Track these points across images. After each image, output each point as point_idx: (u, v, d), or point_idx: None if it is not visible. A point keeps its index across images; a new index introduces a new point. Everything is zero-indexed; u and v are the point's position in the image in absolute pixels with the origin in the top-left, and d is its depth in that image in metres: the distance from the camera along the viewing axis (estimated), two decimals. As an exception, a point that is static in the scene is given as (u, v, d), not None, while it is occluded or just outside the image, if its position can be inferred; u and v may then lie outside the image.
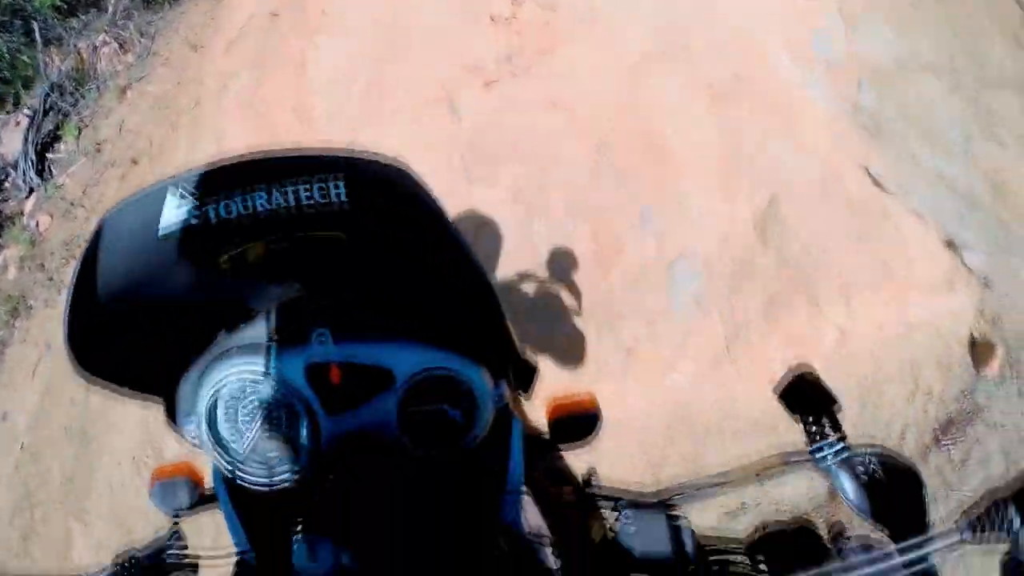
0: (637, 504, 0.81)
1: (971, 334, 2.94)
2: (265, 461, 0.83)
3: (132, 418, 3.36)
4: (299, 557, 0.70)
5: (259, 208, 0.67)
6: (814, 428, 0.78)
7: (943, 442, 2.83)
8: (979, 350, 2.93)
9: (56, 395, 3.75)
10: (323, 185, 0.67)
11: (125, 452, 3.32)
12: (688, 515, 0.81)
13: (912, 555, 0.68)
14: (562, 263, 3.22)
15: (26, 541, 3.26)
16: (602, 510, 0.84)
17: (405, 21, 4.95)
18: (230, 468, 0.83)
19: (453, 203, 2.78)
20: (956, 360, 2.89)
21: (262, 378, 0.81)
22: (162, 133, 4.79)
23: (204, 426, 0.83)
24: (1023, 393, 2.89)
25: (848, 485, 0.75)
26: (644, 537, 0.79)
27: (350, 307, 0.83)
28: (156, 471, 0.97)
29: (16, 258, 4.60)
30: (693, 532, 0.80)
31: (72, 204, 4.70)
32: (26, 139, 5.24)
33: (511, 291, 3.15)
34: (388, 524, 0.76)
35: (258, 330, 0.83)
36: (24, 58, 6.27)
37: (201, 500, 0.94)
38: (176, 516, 0.94)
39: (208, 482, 0.96)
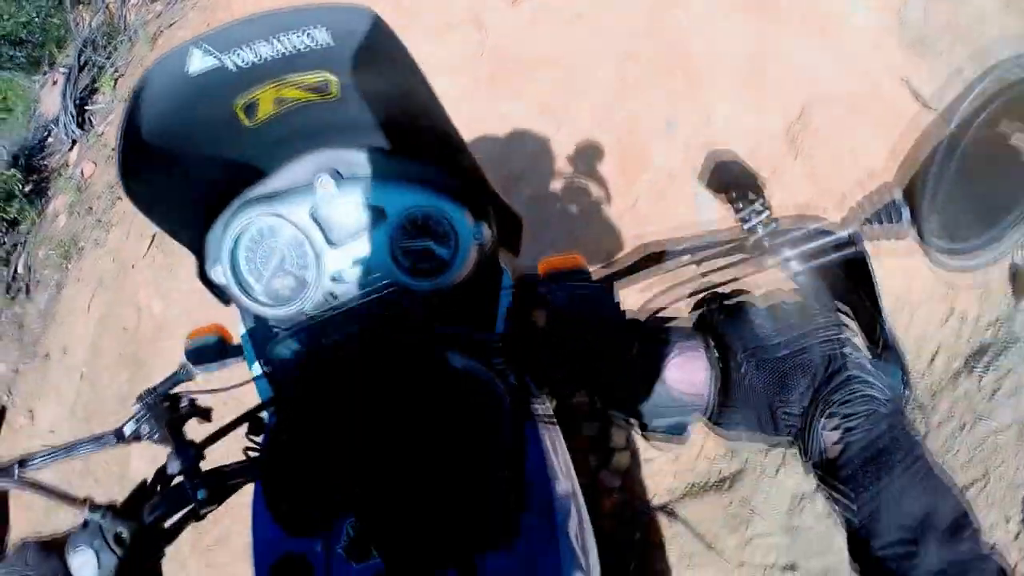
0: (579, 287, 0.86)
1: (1012, 262, 2.81)
2: (280, 296, 0.97)
3: (180, 342, 3.38)
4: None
5: (264, 55, 0.77)
6: (741, 205, 0.80)
7: (975, 368, 2.72)
8: (1020, 279, 2.81)
9: (110, 326, 3.86)
10: (311, 32, 0.77)
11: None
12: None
13: (820, 241, 0.75)
14: (588, 173, 3.19)
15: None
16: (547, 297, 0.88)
17: None
18: (252, 304, 0.97)
19: (481, 117, 2.73)
20: (994, 287, 2.79)
21: (275, 220, 0.94)
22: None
23: (228, 269, 0.95)
24: (1061, 327, 2.78)
25: (792, 266, 0.79)
26: (583, 314, 0.84)
27: (346, 154, 0.94)
28: (191, 332, 1.10)
29: (65, 206, 4.71)
30: (624, 312, 0.84)
31: (113, 150, 4.68)
32: (64, 95, 5.32)
33: (538, 199, 3.16)
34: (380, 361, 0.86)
35: (271, 183, 0.96)
36: (55, 20, 6.39)
37: (228, 354, 1.07)
38: (207, 370, 1.09)
39: (236, 339, 1.10)
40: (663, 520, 2.59)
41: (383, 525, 0.80)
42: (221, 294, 1.03)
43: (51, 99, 5.56)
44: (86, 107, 5.27)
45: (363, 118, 0.89)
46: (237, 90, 0.83)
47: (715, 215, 0.83)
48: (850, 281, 0.79)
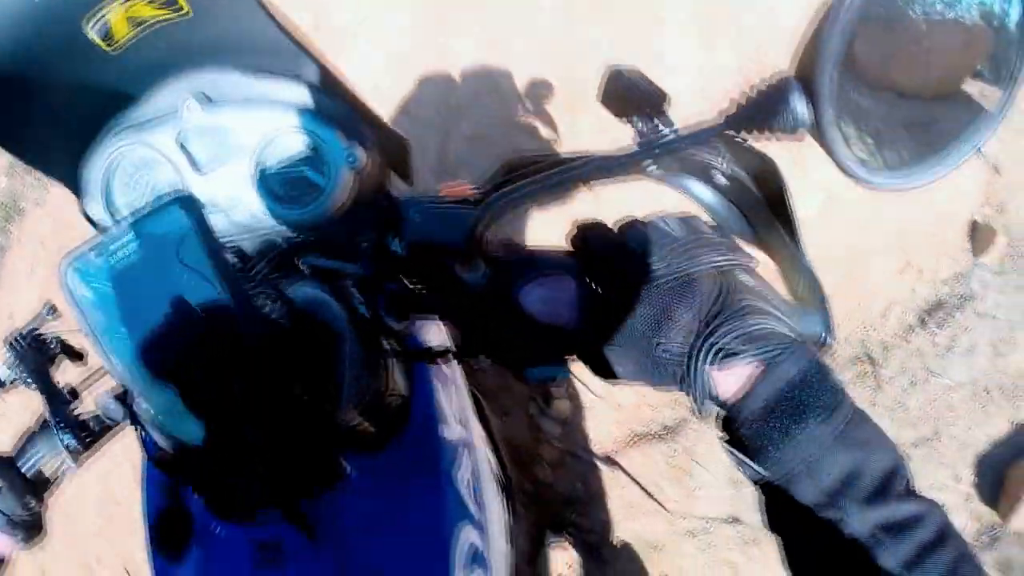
0: (436, 206, 0.81)
1: (972, 218, 2.80)
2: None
3: None
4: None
5: None
6: (644, 128, 0.72)
7: (928, 324, 2.73)
8: (979, 235, 2.79)
9: (53, 290, 3.74)
10: None
11: None
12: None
13: (684, 140, 0.68)
14: (534, 109, 3.12)
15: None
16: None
17: None
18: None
19: (429, 54, 2.62)
20: (953, 242, 2.78)
21: (144, 151, 0.90)
22: None
23: (103, 205, 0.93)
24: (1021, 286, 2.74)
25: (696, 189, 0.73)
26: (438, 236, 0.79)
27: (213, 76, 0.89)
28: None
29: (5, 167, 4.58)
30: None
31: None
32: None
33: (479, 136, 3.11)
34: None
35: (139, 112, 0.91)
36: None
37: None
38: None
39: None
40: (604, 470, 2.58)
41: (211, 469, 0.76)
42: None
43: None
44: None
45: (222, 37, 0.85)
46: (80, 8, 0.76)
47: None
48: (760, 203, 0.70)
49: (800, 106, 0.55)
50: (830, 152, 0.58)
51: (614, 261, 0.67)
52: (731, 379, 0.61)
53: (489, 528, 0.95)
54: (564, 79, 3.13)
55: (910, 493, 0.59)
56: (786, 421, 0.58)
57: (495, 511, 0.96)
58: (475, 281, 0.75)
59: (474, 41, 3.32)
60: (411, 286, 0.84)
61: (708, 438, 2.55)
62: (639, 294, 0.63)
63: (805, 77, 0.55)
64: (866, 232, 2.74)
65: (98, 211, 0.94)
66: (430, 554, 0.88)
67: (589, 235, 0.72)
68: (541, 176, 0.73)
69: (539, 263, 0.74)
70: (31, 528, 0.90)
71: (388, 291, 0.84)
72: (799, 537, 0.62)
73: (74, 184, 0.96)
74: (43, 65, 0.80)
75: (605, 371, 0.70)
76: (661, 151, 0.70)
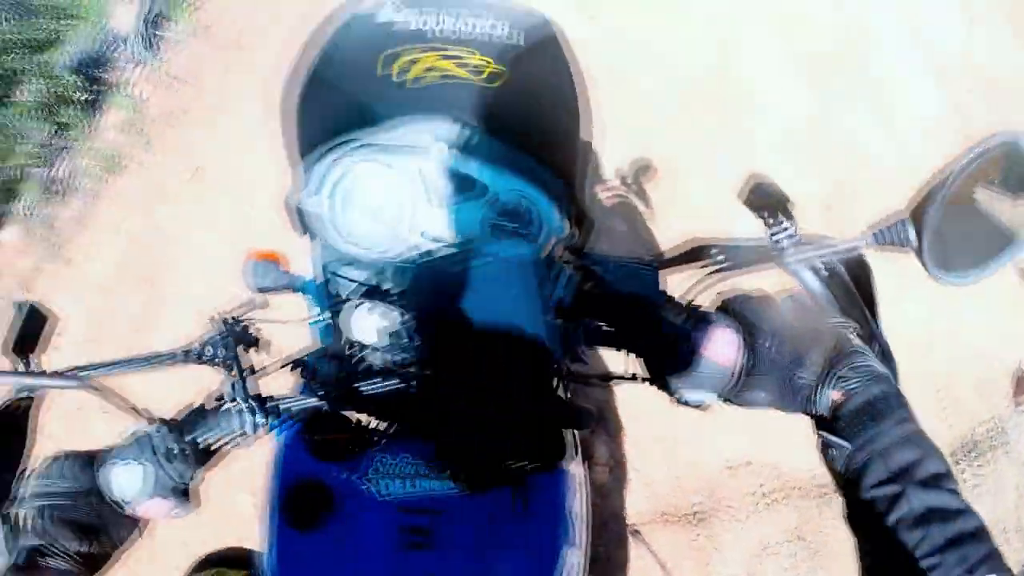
0: (628, 265, 1.01)
1: (1019, 366, 2.90)
2: (367, 239, 1.06)
3: (198, 273, 3.62)
4: (355, 320, 0.94)
5: (445, 25, 0.92)
6: (772, 221, 0.95)
7: (960, 461, 2.80)
8: (1021, 382, 2.89)
9: (137, 248, 4.07)
10: (495, 22, 0.92)
11: (186, 302, 3.53)
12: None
13: (830, 249, 0.95)
14: (635, 180, 3.33)
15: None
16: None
17: None
18: (339, 239, 1.06)
19: None
20: (996, 386, 2.88)
21: (386, 170, 1.02)
22: (266, 21, 4.93)
23: (325, 202, 1.05)
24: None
25: (808, 278, 0.97)
26: (630, 287, 1.00)
27: (471, 130, 1.02)
28: (251, 252, 1.16)
29: (118, 122, 4.82)
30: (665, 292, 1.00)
31: (175, 79, 4.91)
32: (138, 16, 5.43)
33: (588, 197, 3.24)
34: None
35: (390, 135, 1.02)
36: (145, -57, 6.51)
37: (285, 283, 1.14)
38: (261, 292, 1.14)
39: (290, 267, 1.19)
40: (629, 539, 2.65)
41: (453, 449, 0.93)
42: (300, 223, 1.11)
43: (125, 16, 5.68)
44: (156, 32, 5.39)
45: (497, 106, 1.00)
46: (405, 44, 0.96)
47: (748, 229, 0.99)
48: (854, 295, 0.95)
49: (912, 235, 0.84)
50: (925, 263, 0.87)
51: (765, 318, 0.92)
52: (838, 394, 0.88)
53: (582, 557, 1.06)
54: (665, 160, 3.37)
55: (957, 494, 0.80)
56: (871, 419, 0.83)
57: (585, 542, 1.08)
58: (669, 326, 0.95)
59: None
60: (601, 325, 1.02)
61: (734, 529, 2.63)
62: (784, 340, 0.89)
63: (916, 219, 0.84)
64: (915, 362, 2.79)
65: (318, 204, 1.06)
66: (543, 570, 0.98)
67: (739, 299, 0.96)
68: (706, 260, 0.98)
69: (710, 315, 0.94)
70: (188, 498, 0.96)
71: (586, 326, 1.02)
72: (867, 510, 0.82)
73: (300, 170, 1.09)
74: (346, 69, 0.98)
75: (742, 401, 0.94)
76: (807, 250, 0.96)
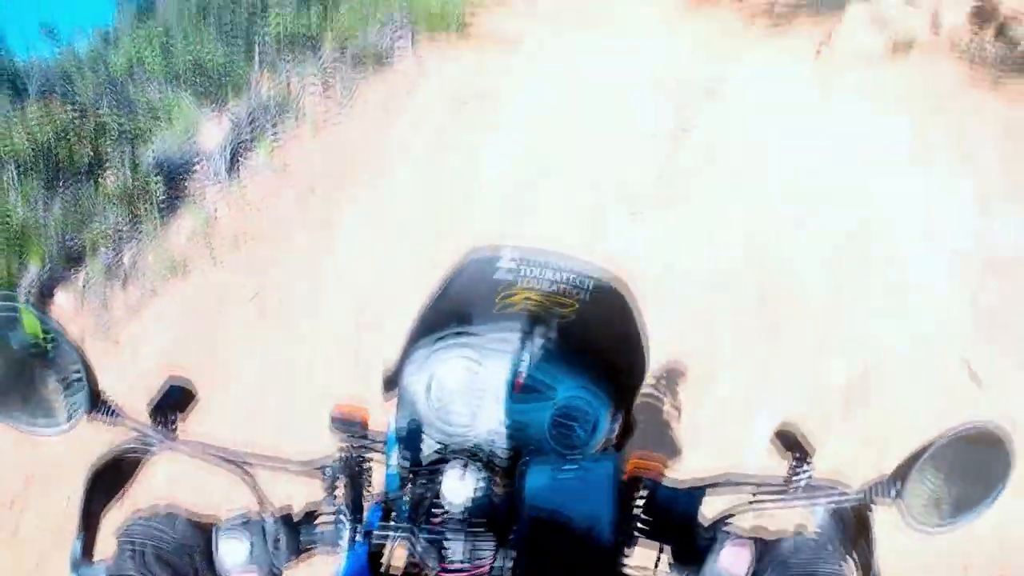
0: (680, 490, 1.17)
1: None
2: (449, 418, 1.21)
3: (248, 385, 3.92)
4: (449, 481, 1.08)
5: (546, 277, 1.20)
6: (795, 464, 1.10)
7: None
8: None
9: (184, 351, 4.46)
10: (581, 279, 1.20)
11: (231, 411, 3.87)
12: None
13: (824, 499, 1.05)
14: (668, 379, 3.57)
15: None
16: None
17: (571, 141, 5.86)
18: (428, 414, 1.22)
19: None
20: (1015, 566, 2.91)
21: (475, 366, 1.21)
22: (342, 175, 5.65)
23: (424, 381, 1.22)
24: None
25: (819, 517, 1.10)
26: (680, 507, 1.15)
27: (549, 345, 1.23)
28: (338, 404, 1.25)
29: (189, 230, 5.43)
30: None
31: (249, 205, 5.56)
32: (226, 139, 6.19)
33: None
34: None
35: (487, 339, 1.23)
36: (240, 71, 7.36)
37: (366, 438, 1.25)
38: (347, 440, 1.24)
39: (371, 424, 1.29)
40: None
41: None
42: (388, 388, 1.31)
43: (210, 135, 6.40)
44: (239, 157, 6.11)
45: (573, 330, 1.24)
46: (513, 286, 1.21)
47: (764, 461, 1.19)
48: (857, 537, 1.07)
49: (893, 491, 0.95)
50: (902, 516, 0.94)
51: (772, 546, 1.06)
52: None
53: None
54: (696, 362, 3.67)
55: None
56: None
57: None
58: (699, 537, 1.12)
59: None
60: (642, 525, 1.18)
61: None
62: (784, 570, 1.02)
63: (899, 479, 0.92)
64: (931, 558, 2.86)
65: (417, 383, 1.23)
66: None
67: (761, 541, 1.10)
68: (731, 489, 1.15)
69: (733, 531, 1.10)
70: None
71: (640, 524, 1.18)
72: None
73: (406, 350, 1.28)
74: (466, 295, 1.25)
75: None
76: (812, 491, 1.09)
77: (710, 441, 3.34)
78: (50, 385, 0.93)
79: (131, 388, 4.05)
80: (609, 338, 1.25)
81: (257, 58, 7.27)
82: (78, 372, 0.91)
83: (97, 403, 0.93)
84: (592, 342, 1.25)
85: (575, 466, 1.15)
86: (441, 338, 1.24)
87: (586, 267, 1.23)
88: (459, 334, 1.24)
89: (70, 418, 0.92)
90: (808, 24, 8.00)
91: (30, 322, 0.88)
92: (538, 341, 1.23)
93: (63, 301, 5.27)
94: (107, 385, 0.89)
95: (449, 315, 1.25)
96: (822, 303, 3.83)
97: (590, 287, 1.22)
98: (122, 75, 7.80)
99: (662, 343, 3.65)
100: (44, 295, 5.37)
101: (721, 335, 3.77)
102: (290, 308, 4.43)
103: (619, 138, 5.80)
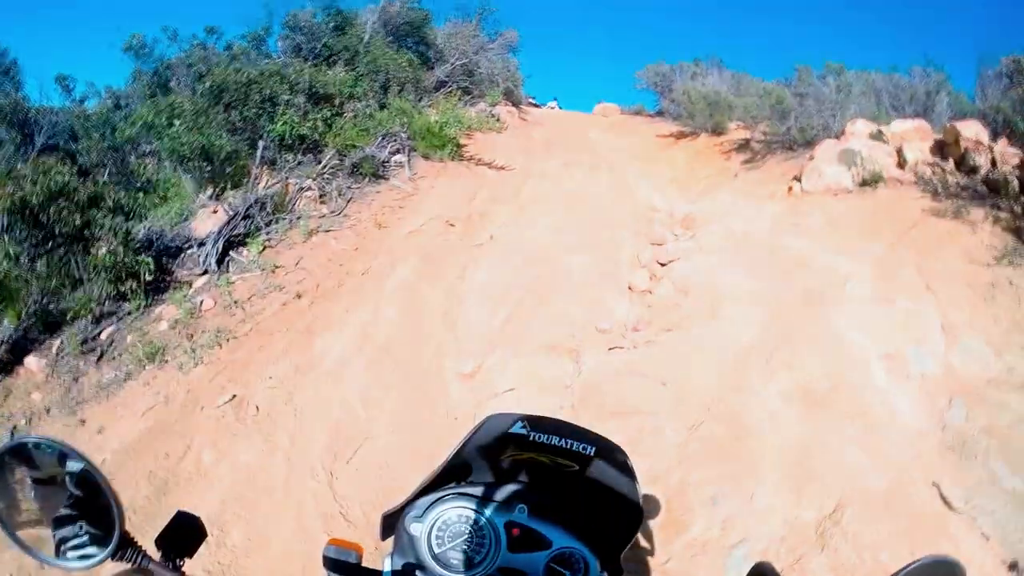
0: None
1: None
2: (448, 563, 1.32)
3: (214, 496, 3.99)
4: None
5: (551, 443, 1.33)
6: None
7: None
8: None
9: (153, 443, 4.44)
10: (585, 446, 1.32)
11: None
12: None
13: None
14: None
15: None
16: None
17: (555, 269, 6.14)
18: (428, 558, 1.32)
19: None
20: None
21: (476, 516, 1.32)
22: (329, 284, 5.89)
23: (427, 528, 1.32)
24: None
25: None
26: None
27: (547, 500, 1.33)
28: (332, 540, 1.30)
29: (171, 317, 5.56)
30: None
31: (235, 303, 5.71)
32: (220, 230, 6.41)
33: None
34: None
35: (488, 492, 1.34)
36: (242, 163, 7.67)
37: (361, 573, 1.29)
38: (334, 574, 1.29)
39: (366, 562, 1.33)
40: None
41: None
42: (386, 531, 1.38)
43: (205, 223, 6.61)
44: (230, 251, 6.33)
45: (568, 489, 1.34)
46: (520, 448, 1.32)
47: None
48: None
49: None
50: None
51: None
52: None
53: None
54: (667, 502, 3.67)
55: None
56: None
57: None
58: None
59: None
60: None
61: None
62: None
63: None
64: None
65: (417, 529, 1.31)
66: None
67: None
68: None
69: None
70: None
71: None
72: None
73: (409, 499, 1.34)
74: (479, 457, 1.34)
75: None
76: None
77: None
78: (82, 521, 1.03)
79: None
80: (603, 496, 1.35)
81: (259, 154, 7.60)
82: (109, 515, 0.99)
83: (124, 546, 1.00)
84: (587, 499, 1.35)
85: None
86: (445, 489, 1.34)
87: (589, 436, 1.35)
88: (464, 484, 1.35)
89: (97, 554, 0.99)
90: (781, 159, 8.61)
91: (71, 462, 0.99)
92: (537, 496, 1.33)
93: (33, 366, 5.29)
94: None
95: (457, 472, 1.37)
96: (794, 440, 3.93)
97: (591, 452, 1.33)
98: (125, 143, 8.07)
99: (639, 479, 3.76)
100: (14, 356, 5.41)
101: (696, 475, 3.84)
102: (267, 417, 4.50)
103: (598, 270, 6.15)
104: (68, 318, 5.69)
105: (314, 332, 5.30)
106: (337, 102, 8.99)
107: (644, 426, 4.17)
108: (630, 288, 6.02)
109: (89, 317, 5.66)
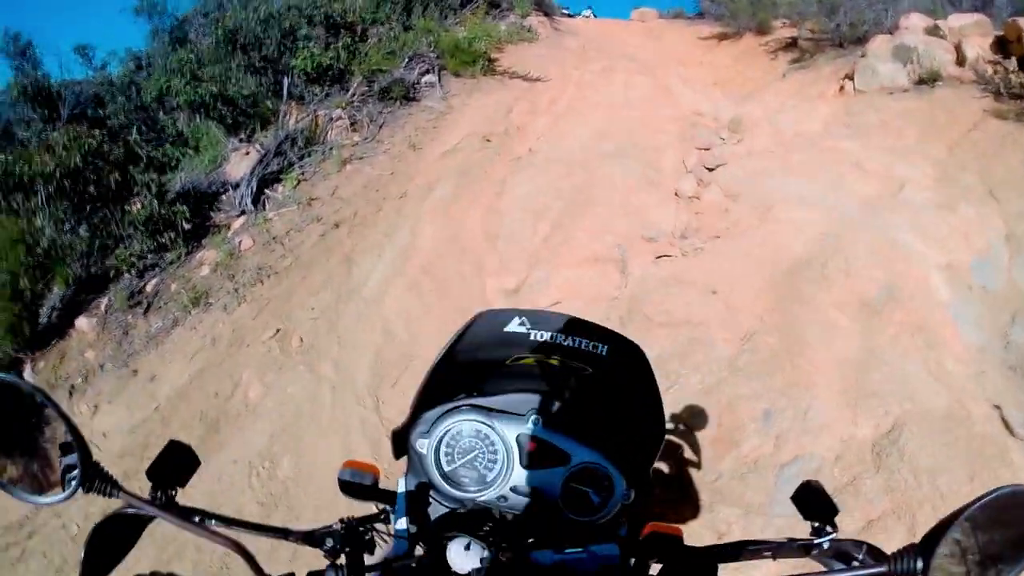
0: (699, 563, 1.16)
1: None
2: (460, 482, 1.22)
3: (263, 430, 3.92)
4: (454, 552, 1.04)
5: (559, 342, 1.20)
6: (817, 525, 1.06)
7: None
8: None
9: (203, 384, 4.43)
10: (597, 345, 1.20)
11: (244, 455, 3.85)
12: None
13: (844, 572, 0.96)
14: (684, 437, 3.39)
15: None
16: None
17: (597, 178, 5.79)
18: (436, 477, 1.22)
19: None
20: None
21: (488, 430, 1.20)
22: (367, 210, 5.67)
23: (433, 444, 1.21)
24: None
25: (838, 567, 1.02)
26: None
27: (563, 409, 1.21)
28: (348, 462, 1.27)
29: (212, 261, 5.47)
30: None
31: (274, 239, 5.57)
32: (252, 170, 6.25)
33: None
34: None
35: (494, 400, 1.22)
36: (268, 103, 7.47)
37: (377, 496, 1.26)
38: (350, 496, 1.26)
39: (382, 483, 1.30)
40: None
41: None
42: (399, 450, 1.27)
43: (238, 165, 6.49)
44: (265, 190, 6.17)
45: (585, 393, 1.23)
46: (523, 350, 1.21)
47: (786, 519, 1.18)
48: None
49: (920, 566, 0.82)
50: None
51: None
52: None
53: None
54: (718, 417, 3.49)
55: None
56: None
57: None
58: None
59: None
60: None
61: None
62: None
63: (925, 552, 0.83)
64: None
65: (424, 446, 1.21)
66: None
67: None
68: (752, 555, 1.12)
69: None
70: None
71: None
72: None
73: (413, 415, 1.23)
74: (476, 354, 1.22)
75: None
76: (832, 554, 1.03)
77: (729, 498, 3.21)
78: (47, 457, 0.95)
79: (143, 427, 4.08)
80: (625, 404, 1.24)
81: (285, 90, 7.38)
82: (71, 447, 0.91)
83: (91, 477, 0.92)
84: (607, 408, 1.24)
85: (580, 550, 1.17)
86: (452, 401, 1.22)
87: (599, 332, 1.21)
88: (470, 396, 1.23)
89: (65, 489, 0.91)
90: (831, 58, 8.04)
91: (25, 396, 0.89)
92: (552, 405, 1.22)
93: (84, 326, 5.31)
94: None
95: (459, 378, 1.24)
96: (851, 354, 3.67)
97: (604, 352, 1.20)
98: (152, 102, 7.95)
99: (686, 396, 3.60)
100: (66, 319, 5.44)
101: (750, 381, 3.64)
102: (311, 348, 4.41)
103: (642, 177, 5.81)
104: (113, 275, 5.70)
105: (353, 260, 5.12)
106: (359, 29, 8.65)
107: (693, 337, 3.91)
108: (676, 195, 5.62)
109: (133, 272, 5.65)
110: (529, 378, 1.23)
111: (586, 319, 1.22)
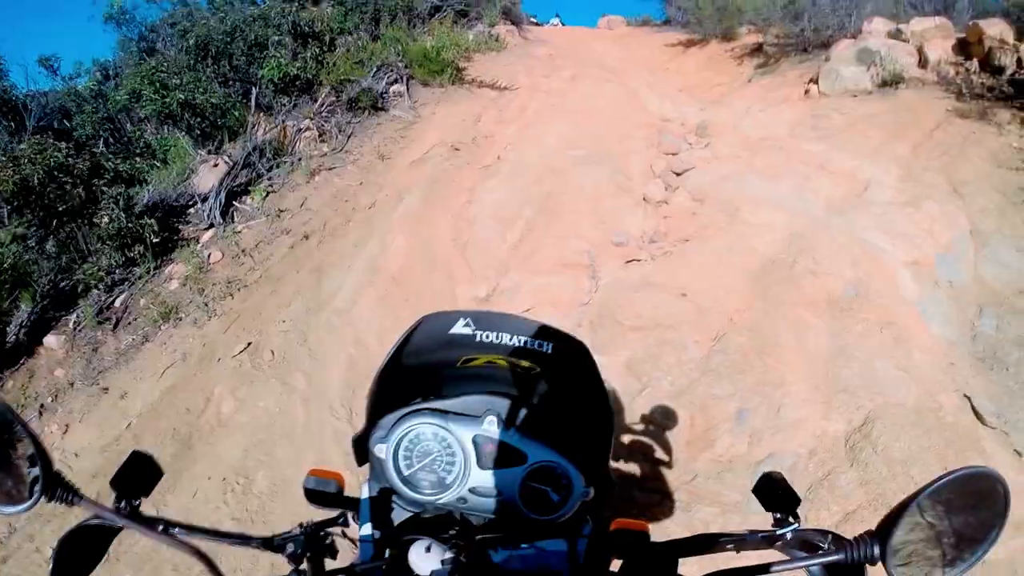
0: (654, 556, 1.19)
1: None
2: (419, 485, 1.22)
3: (236, 444, 3.92)
4: (415, 555, 1.07)
5: (504, 343, 1.19)
6: (779, 516, 1.07)
7: None
8: None
9: (174, 400, 4.39)
10: (542, 343, 1.19)
11: (218, 471, 3.83)
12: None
13: (804, 562, 0.98)
14: (658, 438, 3.45)
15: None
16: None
17: (566, 184, 5.85)
18: (397, 482, 1.22)
19: None
20: None
21: (444, 433, 1.21)
22: (336, 221, 5.69)
23: (391, 449, 1.21)
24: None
25: (816, 572, 1.01)
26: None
27: (516, 409, 1.22)
28: (312, 470, 1.30)
29: (181, 275, 5.43)
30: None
31: (243, 252, 5.55)
32: (221, 182, 6.22)
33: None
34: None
35: (448, 403, 1.23)
36: (236, 113, 7.44)
37: (341, 503, 1.28)
38: (315, 504, 1.29)
39: (347, 491, 1.31)
40: None
41: None
42: (360, 456, 1.27)
43: (206, 177, 6.44)
44: (234, 202, 6.15)
45: (536, 394, 1.25)
46: (471, 351, 1.20)
47: (763, 515, 1.10)
48: None
49: (877, 552, 0.86)
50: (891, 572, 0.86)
51: None
52: None
53: None
54: (691, 418, 3.55)
55: None
56: None
57: None
58: None
59: (618, 362, 3.89)
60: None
61: None
62: None
63: (882, 534, 0.86)
64: None
65: (383, 451, 1.21)
66: None
67: None
68: (717, 550, 1.12)
69: None
70: None
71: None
72: None
73: (369, 421, 1.24)
74: (420, 358, 1.21)
75: None
76: (797, 546, 1.03)
77: (705, 498, 3.26)
78: (8, 466, 0.94)
79: (117, 440, 4.05)
80: (575, 401, 1.24)
81: (254, 101, 7.36)
82: (33, 456, 0.92)
83: (53, 486, 0.93)
84: (559, 406, 1.25)
85: (528, 546, 1.20)
86: (408, 405, 1.23)
87: (543, 330, 1.22)
88: (426, 399, 1.24)
89: (29, 498, 0.92)
90: (796, 62, 8.21)
91: None
92: (505, 406, 1.23)
93: (53, 343, 5.25)
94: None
95: (412, 382, 1.25)
96: (821, 350, 3.78)
97: (549, 350, 1.21)
98: (120, 112, 7.88)
99: (659, 398, 3.65)
100: (34, 337, 5.37)
101: (723, 381, 3.71)
102: (283, 361, 4.40)
103: (611, 183, 5.88)
104: (81, 291, 5.63)
105: (323, 271, 5.13)
106: (327, 39, 8.65)
107: (665, 340, 3.98)
108: (645, 199, 5.74)
109: (101, 287, 5.58)
110: (481, 379, 1.24)
111: (529, 317, 1.23)
